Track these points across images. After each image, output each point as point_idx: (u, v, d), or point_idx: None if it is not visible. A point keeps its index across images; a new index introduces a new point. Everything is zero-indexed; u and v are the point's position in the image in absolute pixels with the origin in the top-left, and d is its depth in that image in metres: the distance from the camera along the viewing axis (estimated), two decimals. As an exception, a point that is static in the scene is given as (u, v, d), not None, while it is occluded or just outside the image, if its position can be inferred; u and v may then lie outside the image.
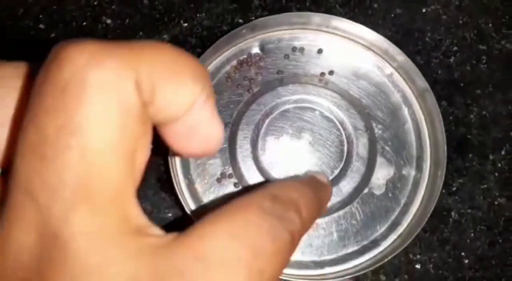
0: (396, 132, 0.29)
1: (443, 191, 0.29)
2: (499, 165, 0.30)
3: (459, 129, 0.30)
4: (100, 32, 0.31)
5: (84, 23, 0.31)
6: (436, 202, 0.26)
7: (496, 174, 0.30)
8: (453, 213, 0.29)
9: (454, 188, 0.30)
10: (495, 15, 0.33)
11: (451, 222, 0.29)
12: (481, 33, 0.32)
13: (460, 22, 0.32)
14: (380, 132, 0.29)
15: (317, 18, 0.29)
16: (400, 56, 0.28)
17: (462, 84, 0.31)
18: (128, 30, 0.31)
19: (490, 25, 0.33)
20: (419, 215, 0.27)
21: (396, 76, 0.29)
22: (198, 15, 0.32)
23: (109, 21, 0.31)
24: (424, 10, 0.33)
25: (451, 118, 0.30)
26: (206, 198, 0.27)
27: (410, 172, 0.28)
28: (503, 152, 0.30)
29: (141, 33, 0.31)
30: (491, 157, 0.30)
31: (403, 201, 0.28)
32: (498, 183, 0.30)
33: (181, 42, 0.31)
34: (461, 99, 0.31)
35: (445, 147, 0.27)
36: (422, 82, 0.28)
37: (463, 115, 0.30)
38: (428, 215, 0.26)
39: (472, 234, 0.29)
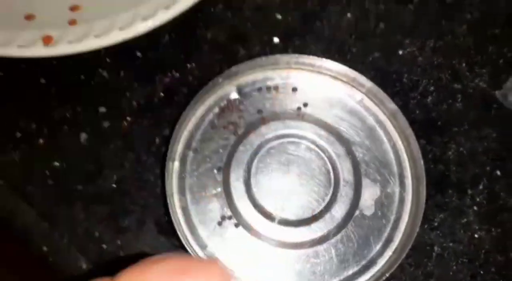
0: (375, 153, 0.31)
1: (425, 226, 0.31)
2: (478, 199, 0.31)
3: (437, 167, 0.32)
4: (97, 84, 0.33)
5: (82, 77, 0.33)
6: (421, 218, 0.28)
7: (475, 208, 0.31)
8: (435, 247, 0.31)
9: (436, 223, 0.31)
10: (468, 55, 0.35)
11: (434, 256, 0.31)
12: (455, 73, 0.34)
13: (435, 63, 0.35)
14: (361, 155, 0.30)
15: (285, 57, 0.31)
16: (368, 83, 0.31)
17: (439, 123, 0.33)
18: (123, 81, 0.34)
19: (464, 64, 0.35)
20: (408, 229, 0.29)
21: (367, 100, 0.31)
22: (188, 65, 0.34)
23: (105, 73, 0.33)
24: (400, 53, 0.35)
25: (430, 156, 0.32)
26: (211, 241, 0.29)
27: (394, 189, 0.30)
28: (480, 187, 0.32)
29: (136, 84, 0.33)
30: (469, 191, 0.32)
31: (392, 218, 0.29)
32: (477, 216, 0.31)
33: (174, 91, 0.33)
34: (439, 138, 0.33)
35: (422, 162, 0.29)
36: (392, 105, 0.30)
37: (441, 153, 0.32)
38: (417, 229, 0.28)
39: (455, 267, 0.30)
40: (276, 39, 0.35)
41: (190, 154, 0.30)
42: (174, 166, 0.29)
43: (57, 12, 0.30)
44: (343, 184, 0.30)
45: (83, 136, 0.32)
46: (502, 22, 0.36)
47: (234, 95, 0.31)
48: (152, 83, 0.33)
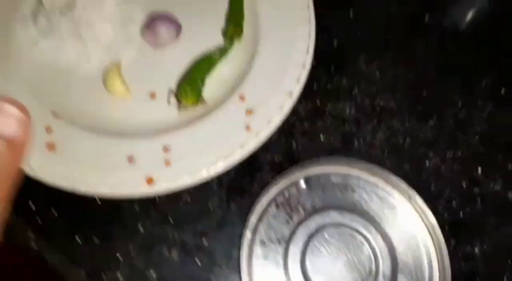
0: (412, 254, 0.38)
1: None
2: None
3: (467, 263, 0.38)
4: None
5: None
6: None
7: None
8: None
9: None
10: (482, 162, 0.42)
11: None
12: (473, 179, 0.42)
13: (456, 171, 0.42)
14: (400, 255, 0.37)
15: (345, 160, 0.40)
16: (415, 195, 0.39)
17: (465, 224, 0.40)
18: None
19: (479, 171, 0.42)
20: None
21: (412, 210, 0.39)
22: (255, 185, 0.41)
23: (188, 198, 0.41)
24: (427, 164, 0.42)
25: (459, 254, 0.39)
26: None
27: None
28: (505, 279, 0.38)
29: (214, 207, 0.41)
30: (496, 284, 0.38)
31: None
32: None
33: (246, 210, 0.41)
34: (466, 237, 0.39)
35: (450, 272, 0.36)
36: (432, 218, 0.38)
37: (469, 251, 0.39)
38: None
39: None
40: (322, 158, 0.42)
41: (261, 226, 0.38)
42: (247, 234, 0.37)
43: (153, 154, 0.38)
44: (382, 276, 0.37)
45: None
46: (509, 132, 0.44)
47: (302, 184, 0.39)
48: (228, 203, 0.41)
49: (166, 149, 0.39)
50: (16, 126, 0.23)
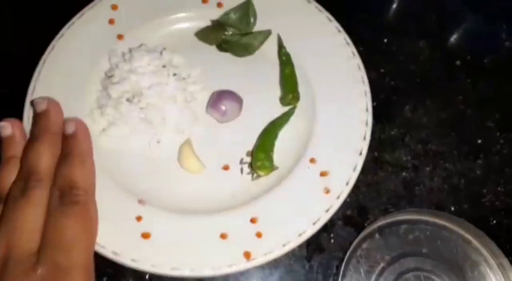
0: None
1: None
2: None
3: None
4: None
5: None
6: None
7: None
8: None
9: None
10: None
11: None
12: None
13: (506, 205, 0.46)
14: None
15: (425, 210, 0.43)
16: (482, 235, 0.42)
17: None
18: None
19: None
20: None
21: (484, 250, 0.42)
22: (331, 239, 0.44)
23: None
24: (482, 200, 0.46)
25: None
26: None
27: None
28: None
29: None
30: None
31: None
32: None
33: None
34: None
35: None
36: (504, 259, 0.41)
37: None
38: None
39: None
40: (389, 206, 0.46)
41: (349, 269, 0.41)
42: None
43: (243, 227, 0.41)
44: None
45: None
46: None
47: (376, 235, 0.42)
48: (309, 262, 0.43)
49: (253, 220, 0.41)
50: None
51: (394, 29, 0.55)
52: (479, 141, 0.49)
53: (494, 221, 0.46)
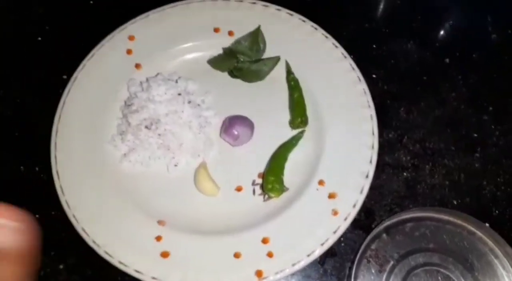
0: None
1: None
2: None
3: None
4: None
5: None
6: None
7: None
8: None
9: None
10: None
11: None
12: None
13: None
14: None
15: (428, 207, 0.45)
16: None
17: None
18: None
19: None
20: None
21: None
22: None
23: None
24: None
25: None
26: None
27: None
28: None
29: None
30: None
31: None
32: None
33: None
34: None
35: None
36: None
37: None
38: None
39: None
40: (394, 206, 0.48)
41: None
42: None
43: (255, 247, 0.43)
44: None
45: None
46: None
47: (384, 236, 0.44)
48: (323, 265, 0.46)
49: (265, 241, 0.44)
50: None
51: (382, 33, 0.57)
52: (475, 135, 0.52)
53: (497, 212, 0.48)
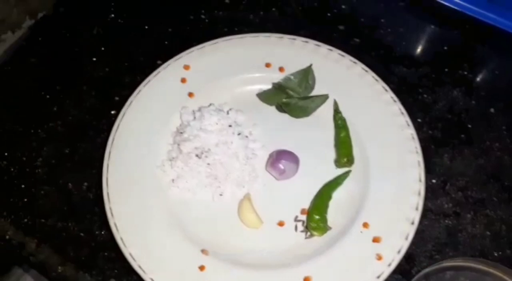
0: None
1: None
2: None
3: None
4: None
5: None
6: None
7: None
8: None
9: None
10: None
11: None
12: None
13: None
14: None
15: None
16: None
17: None
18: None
19: None
20: None
21: None
22: None
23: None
24: None
25: None
26: None
27: None
28: None
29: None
30: None
31: None
32: None
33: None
34: None
35: None
36: None
37: None
38: None
39: None
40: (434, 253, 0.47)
41: None
42: None
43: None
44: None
45: None
46: None
47: None
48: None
49: (306, 280, 0.44)
50: None
51: (429, 79, 0.58)
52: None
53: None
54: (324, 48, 0.55)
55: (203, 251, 0.45)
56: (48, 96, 0.58)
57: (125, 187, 0.48)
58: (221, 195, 0.49)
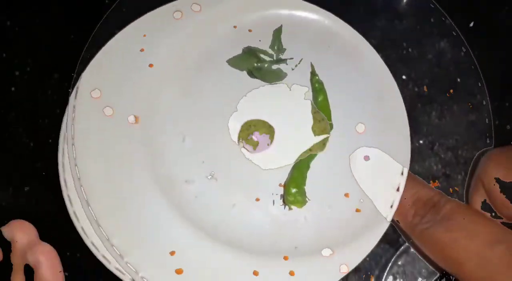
0: None
1: None
2: None
3: None
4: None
5: None
6: None
7: None
8: None
9: None
10: None
11: None
12: None
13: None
14: None
15: None
16: None
17: None
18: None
19: None
20: None
21: None
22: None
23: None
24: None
25: None
26: None
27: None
28: None
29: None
30: None
31: None
32: None
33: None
34: None
35: None
36: None
37: None
38: None
39: None
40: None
41: None
42: None
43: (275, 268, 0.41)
44: None
45: None
46: None
47: (412, 251, 0.42)
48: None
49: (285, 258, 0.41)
50: None
51: (413, 31, 0.53)
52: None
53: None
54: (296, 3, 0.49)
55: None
56: None
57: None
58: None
